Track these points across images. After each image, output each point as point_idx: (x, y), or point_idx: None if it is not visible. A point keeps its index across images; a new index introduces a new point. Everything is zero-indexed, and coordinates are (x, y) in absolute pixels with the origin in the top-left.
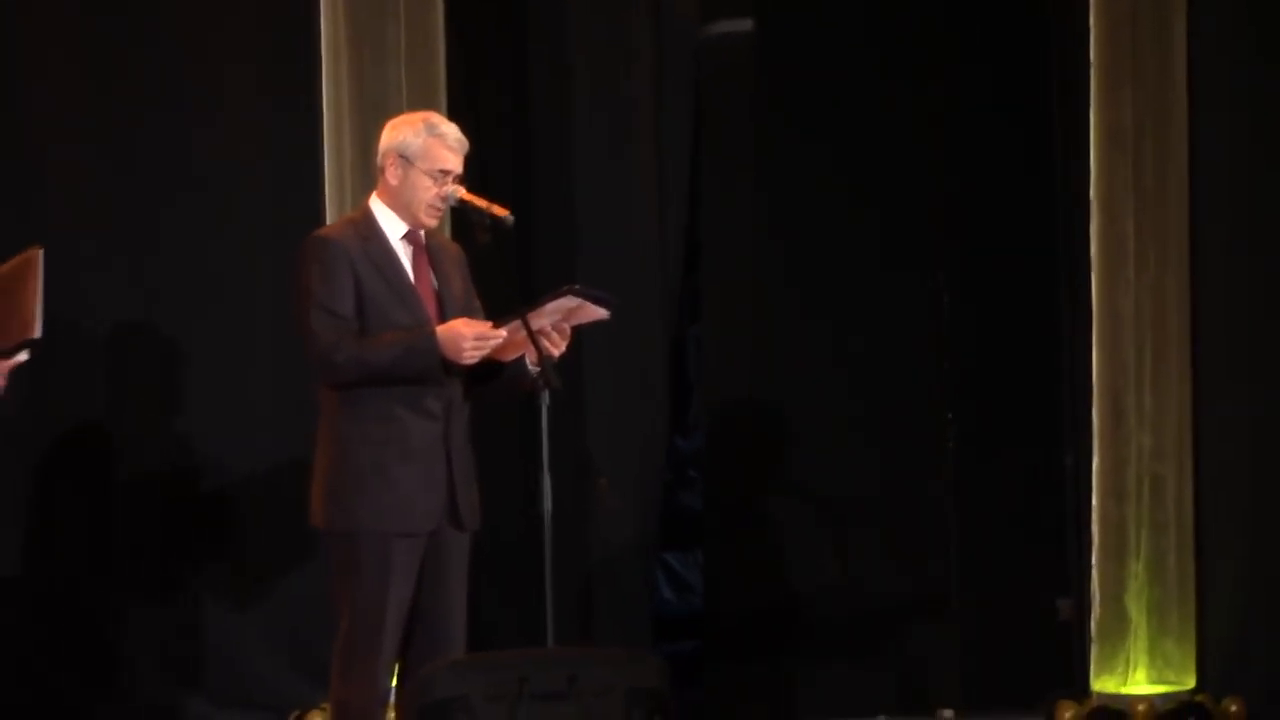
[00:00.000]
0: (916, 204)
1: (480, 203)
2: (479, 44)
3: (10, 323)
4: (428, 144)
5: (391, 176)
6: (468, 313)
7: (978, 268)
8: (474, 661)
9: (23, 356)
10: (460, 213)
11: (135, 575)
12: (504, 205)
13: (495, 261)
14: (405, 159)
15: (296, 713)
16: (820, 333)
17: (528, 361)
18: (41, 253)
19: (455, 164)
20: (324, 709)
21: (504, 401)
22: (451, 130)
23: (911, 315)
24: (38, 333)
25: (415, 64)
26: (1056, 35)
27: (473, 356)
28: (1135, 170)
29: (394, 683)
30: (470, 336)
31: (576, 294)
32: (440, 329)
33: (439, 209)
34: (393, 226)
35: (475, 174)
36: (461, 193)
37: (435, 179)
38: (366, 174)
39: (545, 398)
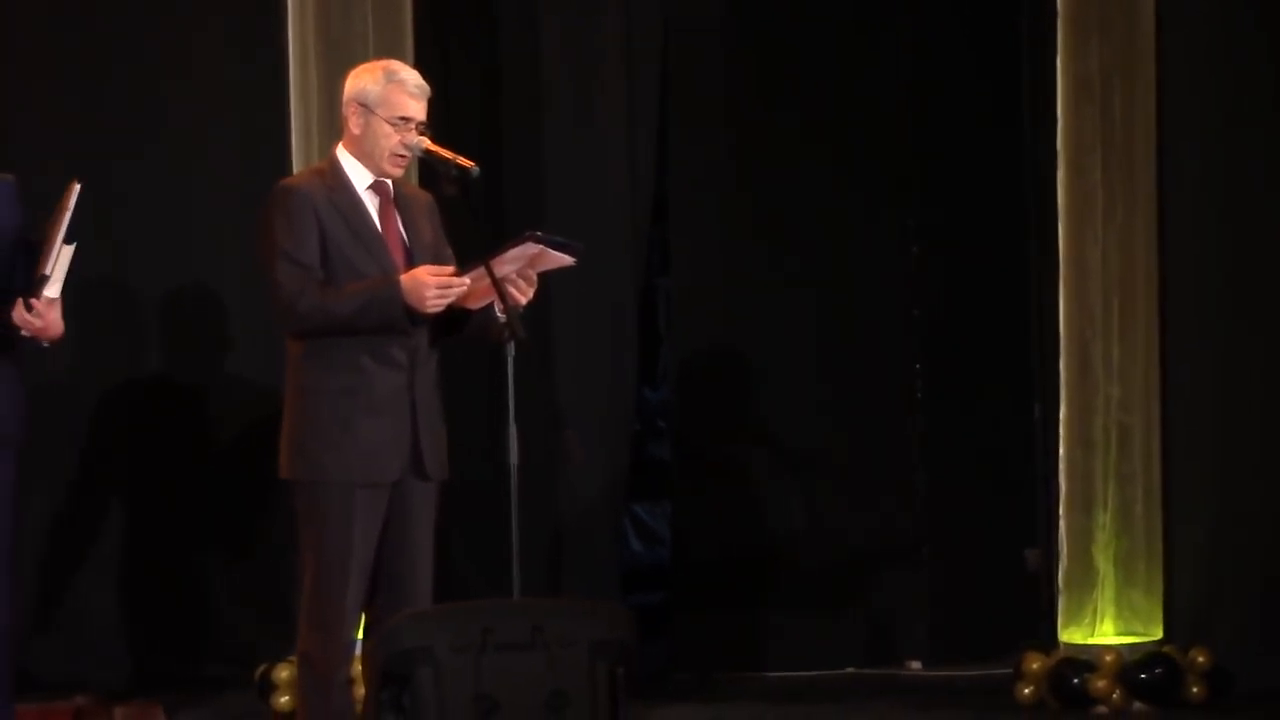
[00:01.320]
0: (885, 155)
1: (446, 154)
2: None
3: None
4: (387, 91)
5: (354, 125)
6: (437, 262)
7: (947, 218)
8: (438, 612)
9: (50, 293)
10: (427, 164)
11: (101, 527)
12: (471, 155)
13: (464, 211)
14: (366, 107)
15: (264, 665)
16: (789, 283)
17: (495, 309)
18: (77, 186)
19: (417, 111)
20: (291, 662)
21: (470, 350)
22: (411, 76)
23: (880, 266)
24: (47, 270)
25: (382, 12)
26: None
27: (437, 305)
28: (1103, 121)
29: (360, 635)
30: (433, 285)
31: (539, 240)
32: (404, 277)
33: (403, 157)
34: (359, 176)
35: (443, 123)
36: (427, 143)
37: (396, 126)
38: (333, 122)
39: (511, 348)
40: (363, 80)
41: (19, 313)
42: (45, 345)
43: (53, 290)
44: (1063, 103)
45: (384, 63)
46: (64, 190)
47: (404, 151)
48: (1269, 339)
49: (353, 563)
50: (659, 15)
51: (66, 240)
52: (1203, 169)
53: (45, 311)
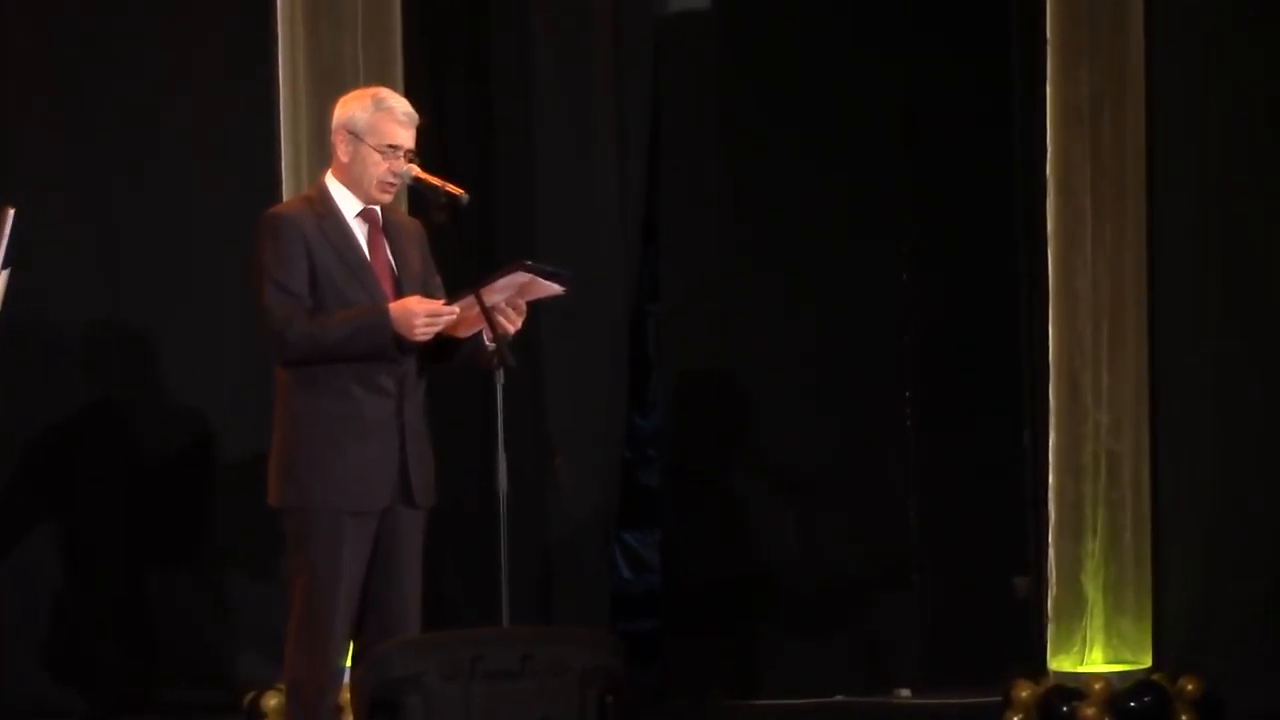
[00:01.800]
0: (875, 181)
1: (435, 181)
2: (437, 18)
3: None
4: (375, 119)
5: (342, 154)
6: (426, 290)
7: (937, 244)
8: (427, 640)
9: None
10: (416, 191)
11: (93, 554)
12: (462, 181)
13: (455, 238)
14: (354, 135)
15: (252, 693)
16: (779, 310)
17: (484, 338)
18: (12, 212)
19: (405, 139)
20: (280, 689)
21: (462, 376)
22: (400, 104)
23: (870, 292)
24: None
25: (372, 38)
26: (1015, 11)
27: (425, 334)
28: (1092, 147)
29: (348, 662)
30: (422, 313)
31: (528, 270)
32: (393, 306)
33: (392, 184)
34: (348, 204)
35: (433, 149)
36: (416, 171)
37: (385, 154)
38: (323, 148)
39: (500, 376)
40: (351, 108)
41: None
42: None
43: None
44: (1052, 128)
45: (373, 90)
46: None
47: (393, 179)
48: (1260, 365)
49: (341, 590)
50: (651, 41)
51: (2, 265)
52: (1192, 195)
53: None
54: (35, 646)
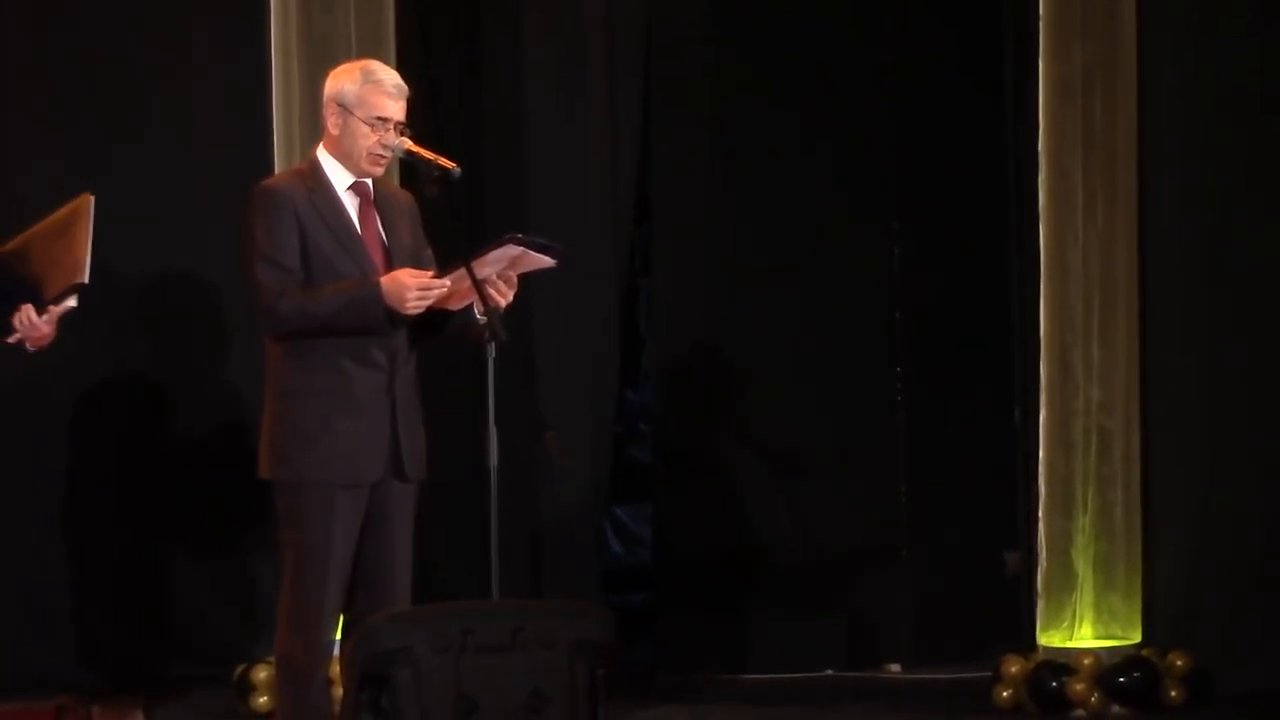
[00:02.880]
0: (868, 156)
1: (427, 154)
2: None
3: (61, 269)
4: (364, 91)
5: (332, 126)
6: (417, 263)
7: (929, 220)
8: (417, 613)
9: (71, 303)
10: (408, 164)
11: (84, 526)
12: (454, 155)
13: (446, 212)
14: (344, 108)
15: (243, 666)
16: (770, 285)
17: (475, 310)
18: (92, 200)
19: (395, 111)
20: (269, 662)
21: (453, 350)
22: (390, 76)
23: (862, 268)
24: (85, 278)
25: (364, 11)
26: None
27: (417, 306)
28: (1084, 124)
29: (339, 635)
30: (414, 286)
31: (519, 242)
32: (384, 279)
33: (382, 157)
34: (339, 177)
35: (425, 123)
36: (408, 144)
37: (374, 126)
38: (315, 121)
39: (491, 349)
40: (341, 81)
41: (28, 318)
42: (30, 351)
43: (73, 299)
44: (1044, 104)
45: (362, 63)
46: (76, 201)
47: (383, 151)
48: (1250, 342)
49: (332, 563)
50: (643, 17)
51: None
52: (1184, 171)
53: (54, 319)
54: (30, 620)
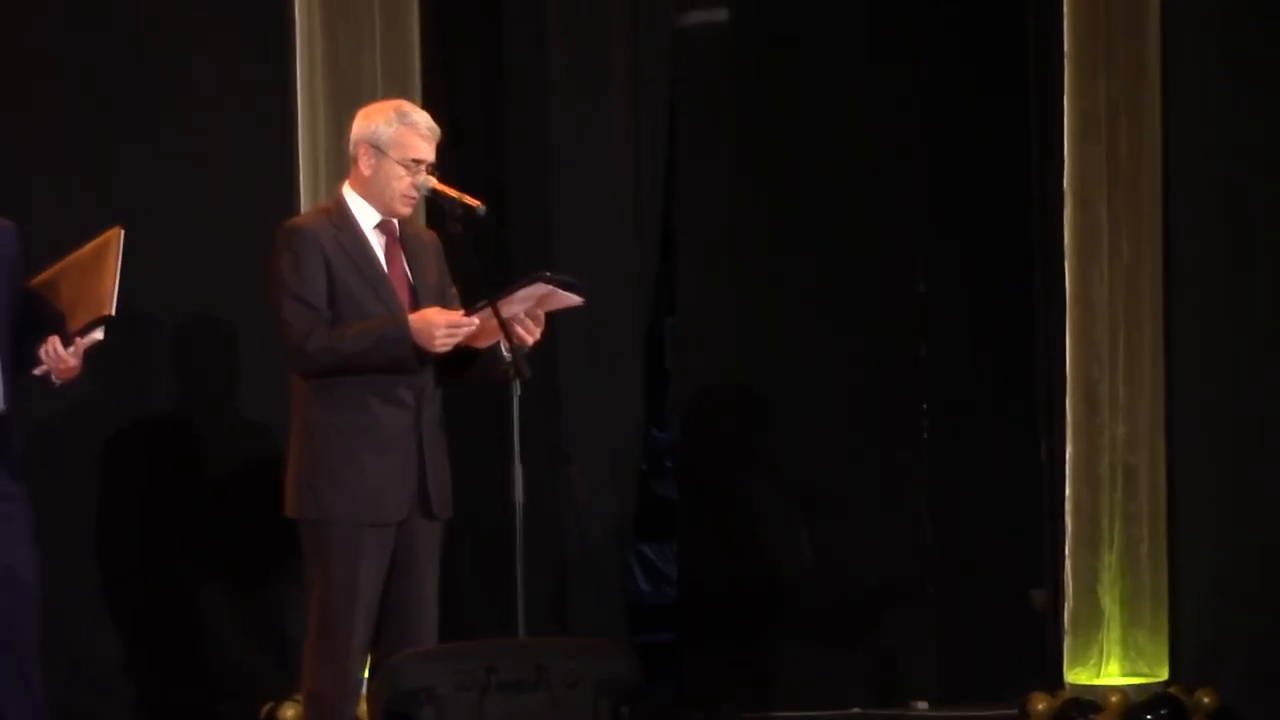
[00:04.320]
0: (893, 193)
1: (452, 192)
2: (455, 31)
3: (88, 302)
4: (400, 133)
5: (364, 166)
6: (442, 302)
7: (954, 256)
8: (442, 651)
9: (98, 335)
10: (433, 202)
11: (110, 564)
12: (479, 194)
13: (471, 250)
14: (377, 149)
15: (269, 704)
16: (796, 321)
17: (502, 348)
18: (122, 233)
19: (428, 152)
20: (297, 700)
21: (479, 387)
22: (423, 118)
23: (888, 303)
24: (111, 310)
25: (390, 49)
26: (1032, 24)
27: (445, 345)
28: (1109, 160)
29: (366, 673)
30: (442, 325)
31: (547, 281)
32: (412, 317)
33: (412, 197)
34: (366, 215)
35: (451, 163)
36: (434, 182)
37: (408, 168)
38: (340, 160)
39: (516, 387)
40: (374, 121)
41: (54, 349)
42: (56, 383)
43: (99, 332)
44: (1069, 139)
45: (395, 103)
46: (106, 234)
47: (414, 193)
48: (1276, 377)
49: (359, 601)
50: (668, 53)
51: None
52: (1208, 207)
53: (79, 351)
54: (54, 659)
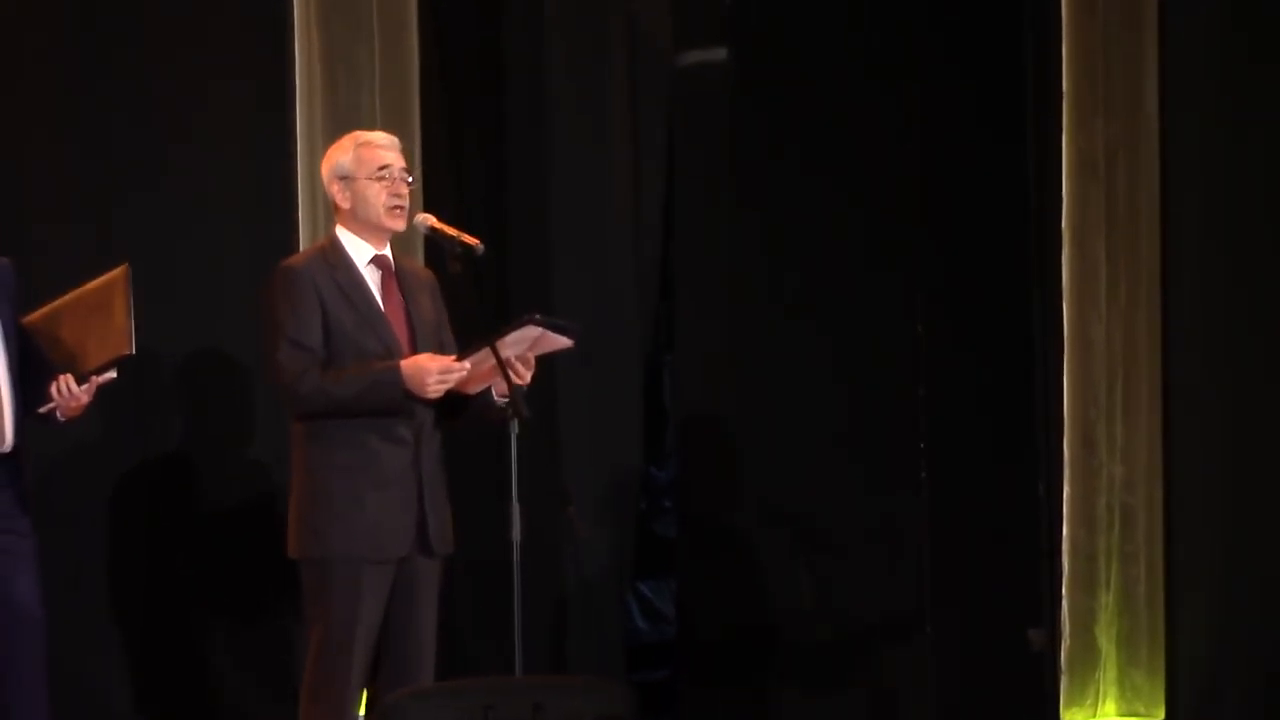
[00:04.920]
0: (891, 232)
1: (451, 231)
2: (454, 71)
3: (102, 340)
4: (358, 154)
5: (342, 201)
6: (438, 338)
7: (952, 296)
8: (439, 689)
9: (111, 374)
10: (432, 241)
11: (106, 600)
12: (478, 231)
13: (469, 288)
14: (345, 178)
15: None
16: (795, 361)
17: (494, 393)
18: (128, 270)
19: (392, 159)
20: None
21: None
22: (377, 134)
23: (885, 343)
24: (131, 349)
25: (389, 87)
26: (1030, 63)
27: (437, 391)
28: (1107, 199)
29: (363, 710)
30: (435, 371)
31: (538, 323)
32: (405, 364)
33: (398, 208)
34: (359, 251)
35: (450, 199)
36: (432, 221)
37: (379, 178)
38: None
39: (514, 426)
40: (334, 156)
41: (67, 387)
42: (61, 420)
43: (113, 370)
44: (1067, 179)
45: (349, 135)
46: (111, 274)
47: (399, 201)
48: (1275, 419)
49: (358, 638)
50: (666, 93)
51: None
52: (1206, 247)
53: (93, 389)
54: (55, 689)
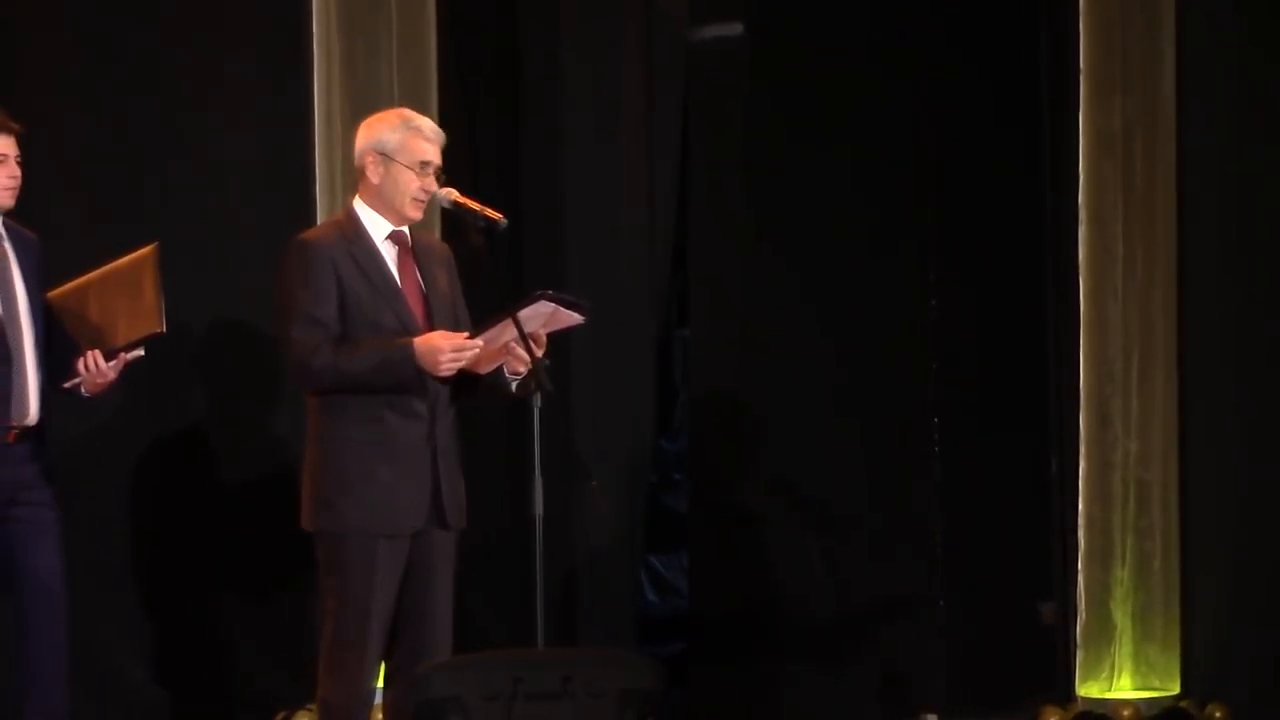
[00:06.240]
0: (905, 208)
1: (474, 205)
2: (470, 45)
3: (132, 317)
4: (405, 138)
5: (372, 175)
6: (453, 313)
7: (966, 272)
8: (469, 661)
9: (140, 351)
10: (453, 215)
11: (122, 572)
12: (493, 206)
13: (484, 263)
14: (385, 155)
15: (284, 713)
16: (807, 336)
17: (505, 372)
18: (157, 247)
19: (434, 155)
20: (310, 710)
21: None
22: (427, 123)
23: (899, 319)
24: (162, 327)
25: (406, 61)
26: (1047, 42)
27: (450, 369)
28: (1124, 177)
29: (379, 684)
30: (448, 349)
31: (551, 299)
32: (418, 341)
33: (423, 200)
34: (377, 227)
35: (465, 174)
36: (455, 195)
37: (416, 172)
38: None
39: (537, 400)
40: (379, 129)
41: (95, 362)
42: (85, 395)
43: (141, 348)
44: (1084, 158)
45: (397, 111)
46: (140, 252)
47: (424, 195)
48: None
49: (374, 612)
50: (681, 70)
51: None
52: (1222, 225)
53: (120, 366)
54: (72, 664)
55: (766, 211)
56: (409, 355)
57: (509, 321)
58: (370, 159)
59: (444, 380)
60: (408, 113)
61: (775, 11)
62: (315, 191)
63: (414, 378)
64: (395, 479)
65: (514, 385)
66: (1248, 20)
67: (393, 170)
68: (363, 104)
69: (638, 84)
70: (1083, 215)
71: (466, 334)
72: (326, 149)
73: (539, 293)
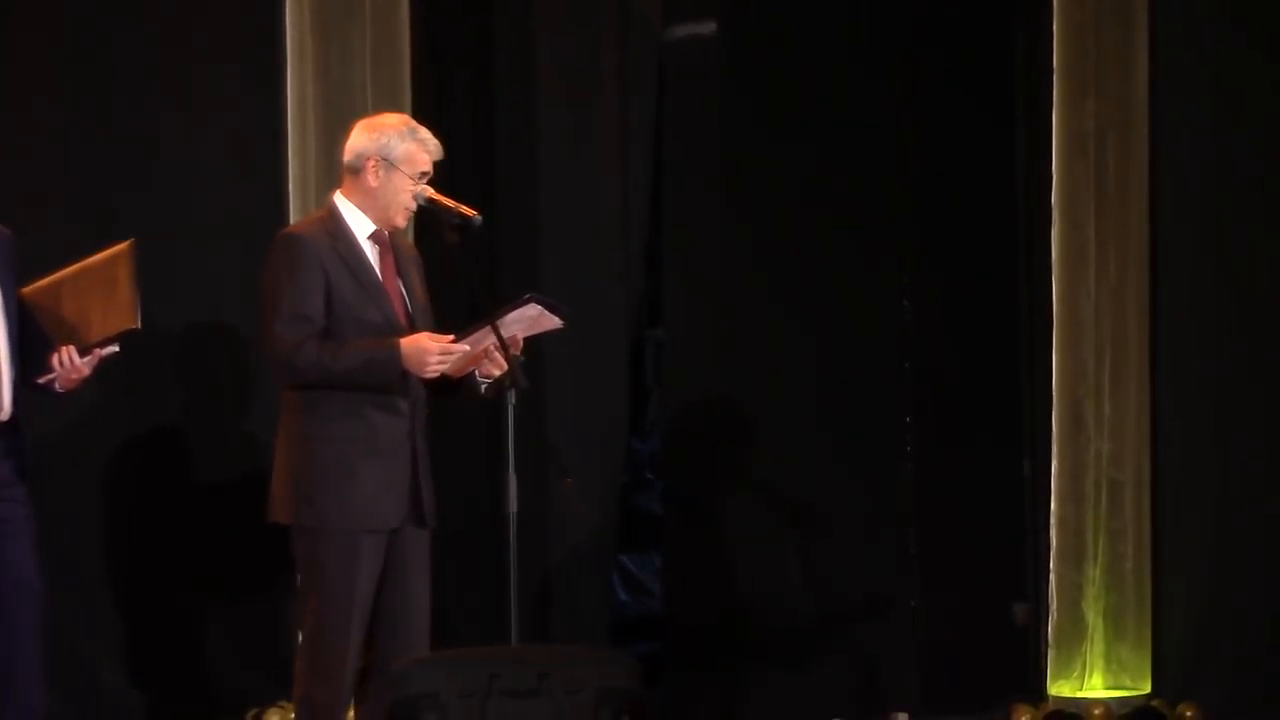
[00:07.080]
0: (880, 208)
1: (449, 202)
2: (444, 46)
3: (106, 313)
4: (411, 148)
5: (372, 179)
6: (426, 314)
7: (940, 273)
8: (445, 658)
9: (115, 348)
10: (427, 212)
11: (95, 570)
12: (467, 205)
13: (465, 261)
14: (388, 162)
15: (255, 710)
16: (781, 336)
17: (477, 375)
18: (133, 244)
19: (430, 169)
20: (282, 707)
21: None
22: (429, 136)
23: (873, 319)
24: (138, 324)
25: (380, 62)
26: (1021, 43)
27: (435, 371)
28: (1097, 177)
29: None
30: (435, 351)
31: (537, 302)
32: (404, 342)
33: (411, 209)
34: (360, 225)
35: (440, 174)
36: (430, 192)
37: (414, 181)
38: (330, 170)
39: (512, 397)
40: (386, 135)
41: (69, 358)
42: (59, 391)
43: (116, 344)
44: (1057, 159)
45: (402, 118)
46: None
47: (414, 204)
48: (1261, 396)
49: (354, 608)
50: (655, 69)
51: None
52: (1195, 226)
53: (95, 362)
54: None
55: (740, 212)
56: (395, 356)
57: (492, 325)
58: (373, 163)
59: (427, 382)
60: (413, 123)
61: (749, 11)
62: (288, 193)
63: (398, 378)
64: (375, 476)
65: (484, 387)
66: (1220, 23)
67: (394, 177)
68: (336, 107)
69: (613, 83)
70: (1056, 216)
71: (452, 337)
72: (300, 150)
73: (526, 295)
